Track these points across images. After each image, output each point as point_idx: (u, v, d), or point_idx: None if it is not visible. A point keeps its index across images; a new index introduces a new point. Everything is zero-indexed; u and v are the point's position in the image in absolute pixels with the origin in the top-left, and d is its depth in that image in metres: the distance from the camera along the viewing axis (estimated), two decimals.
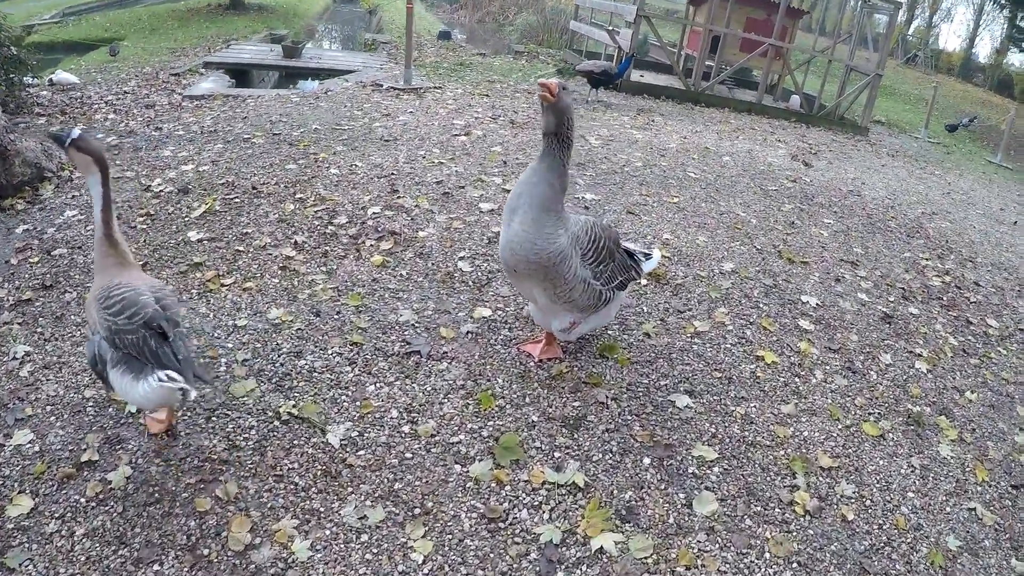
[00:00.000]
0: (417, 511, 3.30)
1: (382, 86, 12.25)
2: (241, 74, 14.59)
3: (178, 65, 14.16)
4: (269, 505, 3.31)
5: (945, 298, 6.45)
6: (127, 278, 3.38)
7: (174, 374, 3.05)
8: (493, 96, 12.26)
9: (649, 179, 7.76)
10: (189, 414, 3.80)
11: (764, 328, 5.02)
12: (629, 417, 3.94)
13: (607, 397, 4.05)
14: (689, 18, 18.37)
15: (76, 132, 3.30)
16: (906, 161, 13.99)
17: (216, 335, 4.43)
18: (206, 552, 3.08)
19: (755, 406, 4.21)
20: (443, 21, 30.26)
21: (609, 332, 4.67)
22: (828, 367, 4.84)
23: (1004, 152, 19.15)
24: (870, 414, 4.49)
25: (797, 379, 4.59)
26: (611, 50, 16.56)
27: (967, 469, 4.28)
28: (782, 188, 8.56)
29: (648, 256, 4.40)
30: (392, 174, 7.02)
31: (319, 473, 3.48)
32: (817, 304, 5.60)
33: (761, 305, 5.32)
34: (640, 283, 5.23)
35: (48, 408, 3.88)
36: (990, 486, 4.21)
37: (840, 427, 4.28)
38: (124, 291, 3.26)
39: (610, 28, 16.11)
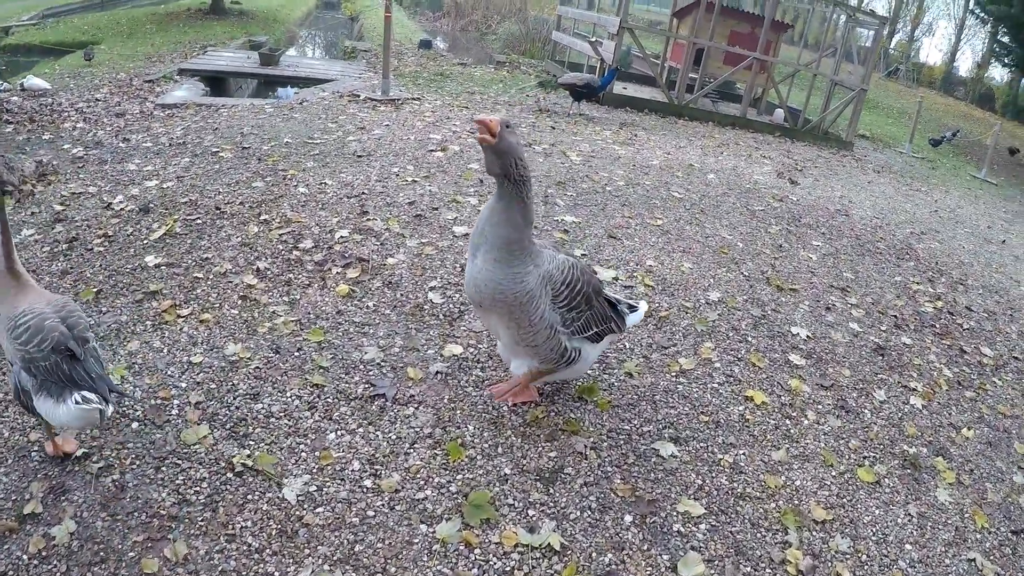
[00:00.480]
0: None
1: (359, 96, 11.96)
2: (218, 82, 14.27)
3: (152, 71, 13.83)
4: (220, 568, 3.02)
5: (938, 325, 6.23)
6: (30, 302, 3.36)
7: (89, 395, 3.10)
8: (472, 108, 11.99)
9: (632, 199, 7.50)
10: (138, 462, 3.50)
11: (753, 364, 4.76)
12: (610, 468, 3.65)
13: (586, 446, 3.75)
14: (673, 30, 18.20)
15: None
16: (892, 177, 13.83)
17: (169, 373, 4.11)
18: None
19: (744, 453, 3.94)
20: (425, 29, 30.04)
21: (588, 372, 4.39)
22: (820, 406, 4.58)
23: (988, 167, 19.07)
24: (865, 458, 4.23)
25: (788, 421, 4.33)
26: (594, 62, 16.37)
27: (966, 515, 4.04)
28: (768, 208, 8.33)
29: (633, 308, 4.09)
30: (363, 193, 6.71)
31: (274, 532, 3.18)
32: (808, 336, 5.35)
33: (750, 338, 5.07)
34: (620, 337, 4.90)
35: None
36: (990, 533, 3.98)
37: (834, 474, 4.02)
38: (29, 319, 3.25)
39: (593, 39, 15.90)
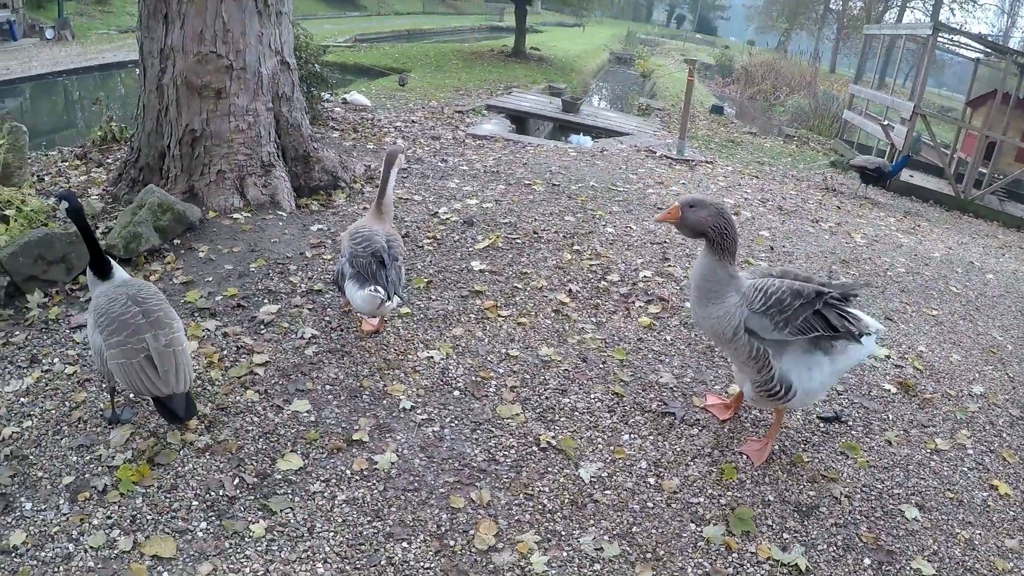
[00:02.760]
0: (648, 556, 3.76)
1: (655, 153, 13.00)
2: (519, 120, 15.85)
3: (462, 103, 15.63)
4: (516, 518, 3.89)
5: None
6: (374, 226, 5.09)
7: (379, 288, 4.69)
8: (762, 178, 12.70)
9: (910, 287, 7.90)
10: (456, 423, 4.50)
11: (1004, 459, 5.09)
12: (858, 517, 4.22)
13: (842, 493, 4.35)
14: (965, 120, 17.84)
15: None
16: None
17: (489, 359, 5.16)
18: (452, 543, 3.68)
19: (980, 533, 4.33)
20: (714, 94, 30.91)
21: (853, 432, 4.97)
22: None
23: None
24: None
25: None
26: (883, 145, 16.45)
27: None
28: None
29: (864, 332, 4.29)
30: (664, 242, 7.66)
31: (566, 501, 4.03)
32: None
33: (1004, 435, 5.38)
34: (886, 389, 5.47)
35: (327, 387, 4.73)
36: None
37: None
38: (367, 231, 5.00)
39: (884, 123, 16.02)
